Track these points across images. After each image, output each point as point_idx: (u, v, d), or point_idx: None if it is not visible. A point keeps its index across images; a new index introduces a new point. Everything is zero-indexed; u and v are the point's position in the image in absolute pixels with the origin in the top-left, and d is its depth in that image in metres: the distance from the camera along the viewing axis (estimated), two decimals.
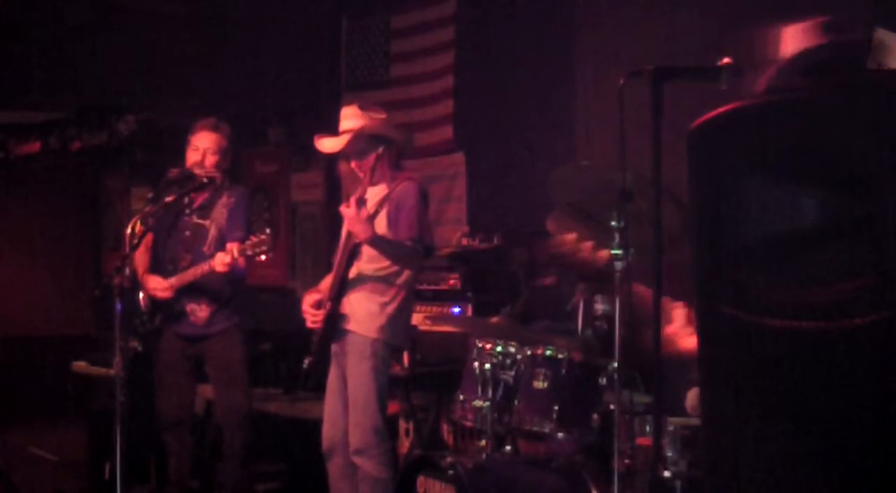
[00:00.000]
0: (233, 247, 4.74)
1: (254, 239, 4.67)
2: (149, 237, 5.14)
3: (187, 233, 5.12)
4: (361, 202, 4.27)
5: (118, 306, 4.32)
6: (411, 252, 4.43)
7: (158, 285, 5.04)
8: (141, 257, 5.17)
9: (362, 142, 4.48)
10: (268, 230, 4.69)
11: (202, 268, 4.91)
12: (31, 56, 8.40)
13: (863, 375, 2.46)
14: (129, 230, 4.57)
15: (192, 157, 5.10)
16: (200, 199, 5.18)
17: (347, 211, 4.27)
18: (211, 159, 5.07)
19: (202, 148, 5.09)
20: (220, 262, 4.77)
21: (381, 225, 4.43)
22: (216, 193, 5.14)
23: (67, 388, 7.25)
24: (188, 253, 5.07)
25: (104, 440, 5.37)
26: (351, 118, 4.55)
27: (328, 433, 4.56)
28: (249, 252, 4.65)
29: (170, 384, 5.16)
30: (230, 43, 8.26)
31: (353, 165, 4.53)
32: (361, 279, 4.47)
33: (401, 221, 4.43)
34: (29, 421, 8.27)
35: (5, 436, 7.40)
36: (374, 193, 4.51)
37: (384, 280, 4.47)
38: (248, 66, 8.20)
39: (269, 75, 8.14)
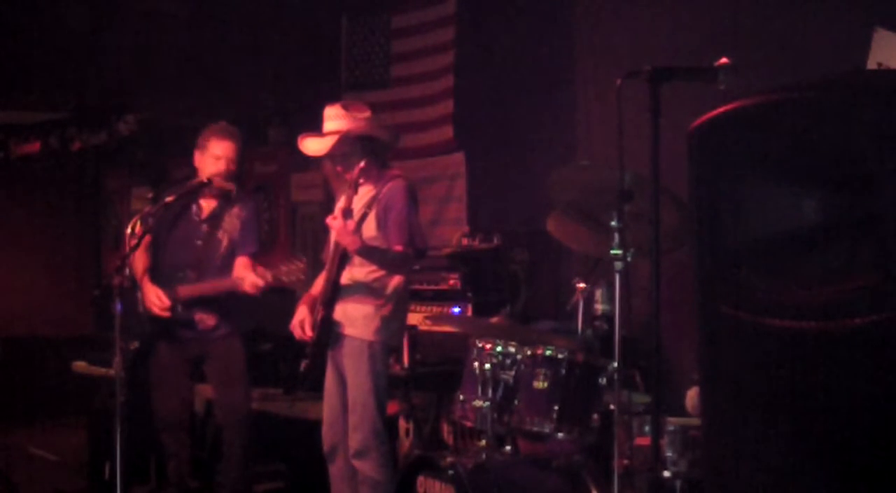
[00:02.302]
0: (266, 273, 4.64)
1: (290, 266, 4.55)
2: (147, 239, 5.11)
3: (199, 242, 5.06)
4: (348, 214, 4.23)
5: (118, 306, 4.32)
6: (402, 259, 4.40)
7: (159, 302, 4.94)
8: (140, 259, 5.09)
9: (346, 145, 4.43)
10: (304, 258, 4.59)
11: (223, 285, 4.87)
12: (31, 56, 8.39)
13: (863, 375, 2.46)
14: (129, 230, 4.56)
15: (212, 165, 5.00)
16: (209, 207, 5.12)
17: (334, 223, 4.22)
18: (231, 168, 5.02)
19: (224, 157, 5.00)
20: (253, 284, 4.69)
21: (370, 227, 4.40)
22: (227, 203, 5.10)
23: (67, 388, 7.25)
24: (198, 263, 5.03)
25: (104, 440, 5.37)
26: (334, 119, 4.49)
27: (328, 435, 4.55)
28: (285, 279, 4.56)
29: (168, 385, 5.14)
30: (230, 43, 8.25)
31: (338, 169, 4.50)
32: (355, 283, 4.44)
33: (390, 224, 4.39)
34: (29, 421, 8.27)
35: (5, 436, 7.40)
36: (362, 195, 4.47)
37: (377, 283, 4.44)
38: (248, 66, 8.19)
39: (269, 75, 8.14)
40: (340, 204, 4.34)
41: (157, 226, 5.04)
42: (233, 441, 5.06)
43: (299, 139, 4.55)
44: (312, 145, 4.51)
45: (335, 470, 4.54)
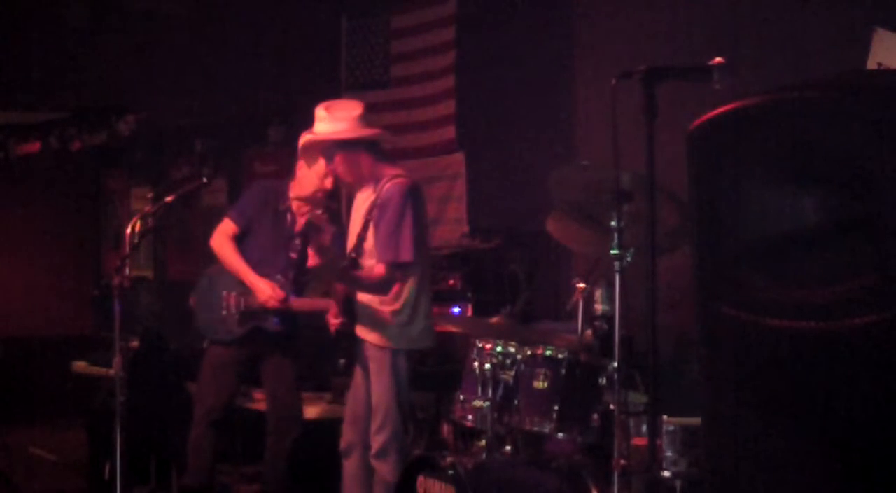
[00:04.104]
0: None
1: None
2: (234, 232, 5.05)
3: (292, 254, 5.07)
4: (325, 252, 4.23)
5: (118, 306, 4.33)
6: (380, 284, 4.32)
7: (274, 293, 4.94)
8: (234, 252, 5.03)
9: (327, 148, 4.43)
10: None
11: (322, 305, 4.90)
12: (31, 56, 8.40)
13: (863, 375, 2.46)
14: (129, 230, 4.57)
15: (320, 181, 4.94)
16: (304, 220, 5.09)
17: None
18: (334, 186, 4.99)
19: (332, 174, 4.82)
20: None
21: (372, 239, 4.35)
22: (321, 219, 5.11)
23: (67, 388, 7.25)
24: (287, 272, 5.05)
25: (104, 440, 5.37)
26: (318, 121, 4.44)
27: (347, 433, 4.55)
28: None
29: (217, 383, 5.16)
30: (230, 43, 8.25)
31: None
32: (368, 294, 4.41)
33: (378, 235, 4.30)
34: (29, 421, 8.27)
35: (5, 436, 7.40)
36: (363, 200, 4.43)
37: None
38: (248, 66, 8.20)
39: (269, 75, 8.14)
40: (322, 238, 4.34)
41: (247, 227, 5.04)
42: (282, 439, 5.13)
43: (301, 137, 4.56)
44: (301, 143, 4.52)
45: (348, 467, 4.53)
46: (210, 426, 5.15)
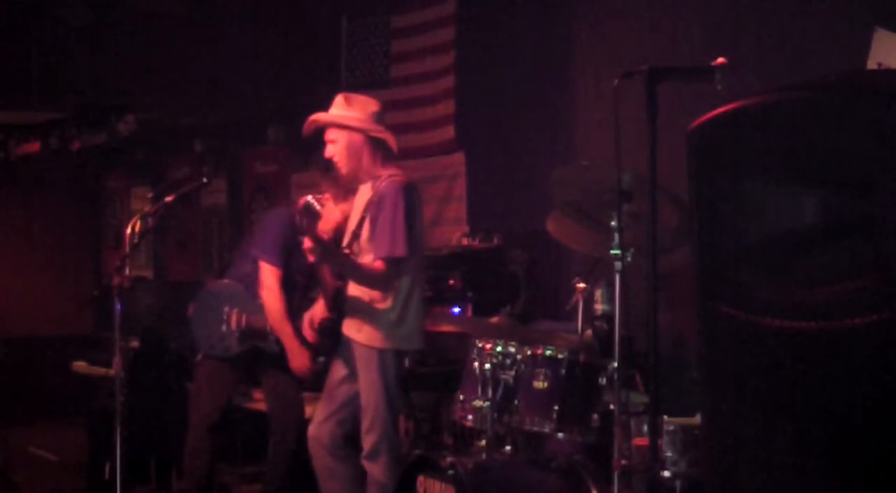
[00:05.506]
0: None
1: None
2: (279, 276, 4.98)
3: (299, 278, 5.04)
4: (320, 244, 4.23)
5: (118, 306, 4.32)
6: (378, 277, 4.30)
7: (307, 367, 4.96)
8: (277, 296, 4.96)
9: (332, 133, 4.44)
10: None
11: None
12: (31, 56, 8.41)
13: (863, 375, 2.46)
14: (129, 230, 4.57)
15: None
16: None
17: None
18: None
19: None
20: None
21: (367, 235, 4.36)
22: None
23: (67, 388, 7.26)
24: (292, 300, 5.07)
25: (104, 440, 5.37)
26: (335, 107, 4.46)
27: (312, 430, 4.52)
28: None
29: (211, 389, 5.14)
30: (230, 43, 8.25)
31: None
32: (359, 290, 4.39)
33: (376, 232, 4.31)
34: (29, 421, 8.27)
35: (5, 436, 7.41)
36: (360, 198, 4.45)
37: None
38: (248, 66, 8.20)
39: (269, 75, 8.14)
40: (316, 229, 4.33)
41: (287, 262, 4.98)
42: (284, 439, 5.12)
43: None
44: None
45: (318, 467, 4.49)
46: (208, 430, 5.14)
